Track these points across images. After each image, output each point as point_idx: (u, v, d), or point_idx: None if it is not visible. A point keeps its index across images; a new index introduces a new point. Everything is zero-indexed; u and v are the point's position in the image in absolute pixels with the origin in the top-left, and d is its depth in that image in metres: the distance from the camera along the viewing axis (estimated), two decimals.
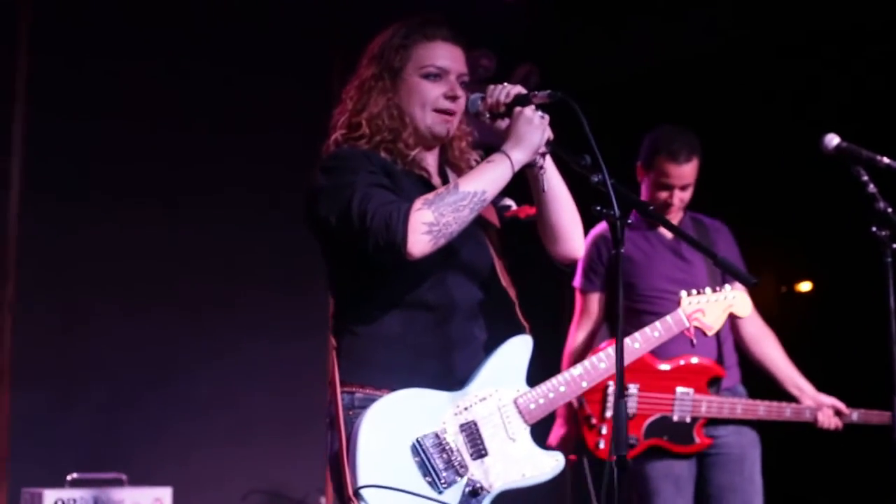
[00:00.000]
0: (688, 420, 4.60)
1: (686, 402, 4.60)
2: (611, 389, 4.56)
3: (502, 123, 3.09)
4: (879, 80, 6.25)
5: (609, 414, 4.57)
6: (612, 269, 4.74)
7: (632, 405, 4.58)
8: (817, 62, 6.51)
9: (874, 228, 3.75)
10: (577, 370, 3.25)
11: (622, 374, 2.76)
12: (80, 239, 5.67)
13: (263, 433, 6.00)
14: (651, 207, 3.05)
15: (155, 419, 5.72)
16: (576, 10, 6.85)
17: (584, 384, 3.25)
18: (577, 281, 4.89)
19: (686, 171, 4.71)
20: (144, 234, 5.81)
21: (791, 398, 4.81)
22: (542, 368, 3.26)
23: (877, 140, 4.04)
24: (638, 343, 3.44)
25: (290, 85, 6.17)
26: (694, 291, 3.79)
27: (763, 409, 4.68)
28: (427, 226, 2.87)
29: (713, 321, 3.76)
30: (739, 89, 6.70)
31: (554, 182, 3.15)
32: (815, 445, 5.44)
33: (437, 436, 2.99)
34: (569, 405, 4.62)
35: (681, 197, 4.73)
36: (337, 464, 2.95)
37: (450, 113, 3.16)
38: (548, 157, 3.10)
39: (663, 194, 4.73)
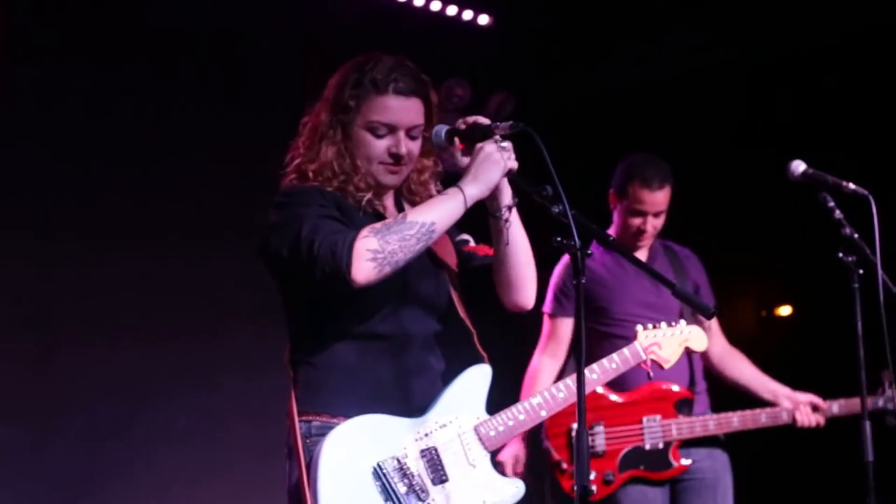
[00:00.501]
0: (661, 446, 4.62)
1: (655, 428, 4.61)
2: (573, 432, 4.58)
3: (464, 160, 3.10)
4: (855, 103, 6.30)
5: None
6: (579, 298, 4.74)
7: (600, 443, 4.60)
8: (794, 86, 6.56)
9: (840, 254, 3.77)
10: (537, 399, 3.27)
11: (583, 403, 2.76)
12: (55, 272, 5.64)
13: (242, 463, 5.97)
14: (611, 238, 3.08)
15: (133, 451, 5.69)
16: (549, 37, 6.87)
17: (543, 413, 3.27)
18: (547, 306, 4.89)
19: (659, 198, 4.74)
20: (120, 267, 5.78)
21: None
22: (500, 396, 3.28)
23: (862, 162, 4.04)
24: (595, 374, 3.47)
25: (266, 114, 6.16)
26: (650, 325, 3.86)
27: (737, 419, 4.70)
28: (372, 252, 2.88)
29: (669, 354, 3.83)
30: (716, 114, 6.73)
31: (517, 236, 3.16)
32: (785, 465, 5.47)
33: (398, 460, 3.00)
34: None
35: (654, 224, 4.76)
36: (297, 493, 2.96)
37: (395, 166, 3.17)
38: (514, 211, 3.12)
39: (636, 221, 4.75)
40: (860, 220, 3.81)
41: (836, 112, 6.29)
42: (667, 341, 3.83)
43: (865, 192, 3.77)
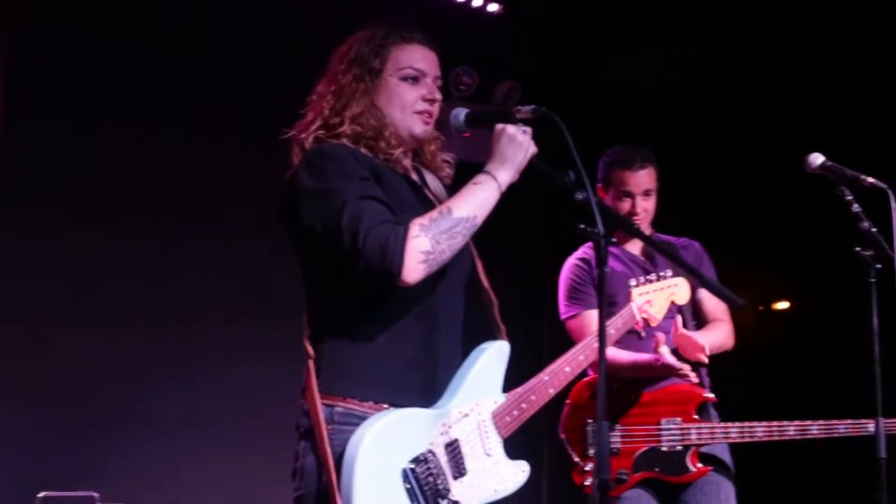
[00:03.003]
0: (679, 448, 4.52)
1: (674, 432, 4.52)
2: (589, 427, 4.51)
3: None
4: (857, 105, 6.29)
5: (591, 451, 4.48)
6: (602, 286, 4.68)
7: (615, 441, 4.51)
8: (798, 84, 6.55)
9: (858, 248, 3.71)
10: (546, 376, 3.22)
11: (604, 393, 2.72)
12: (50, 258, 5.61)
13: (235, 451, 5.93)
14: (635, 226, 3.02)
15: (126, 437, 5.66)
16: (557, 27, 6.84)
17: (551, 390, 3.23)
18: (564, 311, 4.77)
19: (642, 177, 4.67)
20: (111, 253, 5.75)
21: None
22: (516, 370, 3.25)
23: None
24: (582, 355, 3.36)
25: (263, 103, 6.10)
26: (642, 279, 3.88)
27: (762, 430, 4.52)
28: (424, 254, 2.84)
29: (658, 311, 3.88)
30: (718, 111, 6.72)
31: None
32: (794, 461, 5.43)
33: (426, 460, 2.94)
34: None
35: (644, 206, 4.66)
36: (311, 475, 2.89)
37: (429, 114, 3.15)
38: None
39: (625, 205, 4.67)
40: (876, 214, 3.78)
41: (843, 111, 6.29)
42: (656, 296, 3.89)
43: (884, 186, 3.71)
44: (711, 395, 4.58)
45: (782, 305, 7.55)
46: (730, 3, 6.35)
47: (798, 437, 4.51)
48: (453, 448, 3.00)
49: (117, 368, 5.70)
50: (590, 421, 4.49)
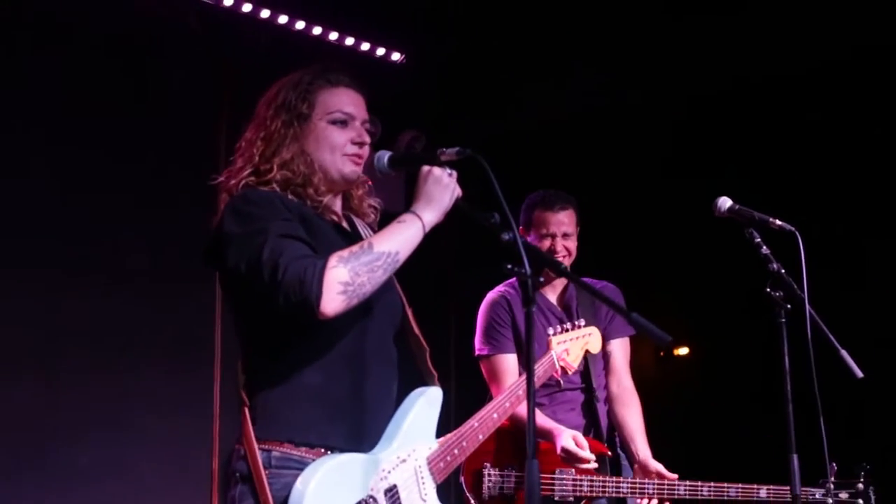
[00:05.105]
0: (570, 500, 4.56)
1: (566, 483, 4.57)
2: (486, 471, 4.60)
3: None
4: (764, 141, 6.43)
5: (485, 495, 4.61)
6: (517, 328, 4.76)
7: (508, 486, 4.57)
8: (697, 124, 6.68)
9: (768, 289, 3.79)
10: (475, 422, 3.30)
11: (534, 432, 2.71)
12: None
13: (147, 501, 5.82)
14: (563, 266, 3.06)
15: (35, 489, 5.50)
16: (461, 73, 6.90)
17: (481, 436, 3.31)
18: (480, 348, 4.86)
19: (562, 218, 4.76)
20: (21, 303, 5.61)
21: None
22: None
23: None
24: (508, 402, 3.49)
25: (180, 162, 6.06)
26: (559, 328, 4.05)
27: (652, 486, 4.53)
28: (342, 285, 2.83)
29: (574, 359, 4.09)
30: (614, 151, 6.82)
31: None
32: None
33: None
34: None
35: (564, 245, 4.73)
36: None
37: (358, 157, 3.17)
38: None
39: (546, 244, 4.74)
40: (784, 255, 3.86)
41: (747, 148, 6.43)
42: (573, 345, 4.12)
43: (792, 228, 3.79)
44: (607, 450, 4.64)
45: (683, 351, 7.65)
46: (634, 36, 6.46)
47: (688, 496, 4.56)
48: (392, 494, 3.02)
49: (25, 416, 5.55)
50: (487, 465, 4.60)
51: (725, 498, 4.49)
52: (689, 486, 4.52)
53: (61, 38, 5.77)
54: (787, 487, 3.65)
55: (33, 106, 5.70)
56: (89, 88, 5.83)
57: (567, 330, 4.12)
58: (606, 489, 4.56)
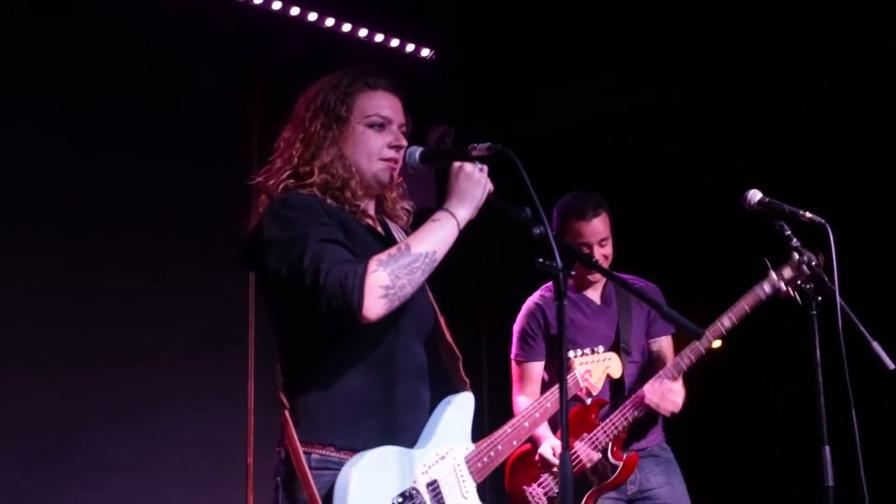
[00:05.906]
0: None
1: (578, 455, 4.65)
2: (527, 492, 4.75)
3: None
4: (778, 140, 6.41)
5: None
6: (549, 334, 4.88)
7: (549, 490, 4.71)
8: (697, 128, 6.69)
9: (800, 282, 3.80)
10: (509, 429, 3.31)
11: (567, 427, 2.74)
12: None
13: (177, 495, 5.87)
14: (594, 260, 3.07)
15: (66, 482, 5.56)
16: (489, 69, 6.91)
17: (515, 442, 3.32)
18: (514, 352, 4.97)
19: (597, 226, 4.76)
20: (54, 297, 5.67)
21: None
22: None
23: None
24: (538, 413, 3.52)
25: (211, 159, 6.11)
26: (579, 352, 4.16)
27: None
28: (383, 289, 2.84)
29: (597, 381, 4.18)
30: (659, 150, 6.81)
31: None
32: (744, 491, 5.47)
33: (412, 496, 2.97)
34: None
35: (602, 253, 4.75)
36: None
37: (395, 161, 3.17)
38: None
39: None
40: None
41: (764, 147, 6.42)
42: (595, 367, 4.19)
43: (822, 221, 3.79)
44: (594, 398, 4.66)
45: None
46: (663, 43, 6.46)
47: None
48: (434, 488, 3.04)
49: (56, 412, 5.60)
50: (524, 488, 4.76)
51: None
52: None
53: (93, 35, 5.81)
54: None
55: (64, 105, 5.74)
56: (121, 86, 5.87)
57: (586, 354, 4.21)
58: (617, 425, 4.65)
